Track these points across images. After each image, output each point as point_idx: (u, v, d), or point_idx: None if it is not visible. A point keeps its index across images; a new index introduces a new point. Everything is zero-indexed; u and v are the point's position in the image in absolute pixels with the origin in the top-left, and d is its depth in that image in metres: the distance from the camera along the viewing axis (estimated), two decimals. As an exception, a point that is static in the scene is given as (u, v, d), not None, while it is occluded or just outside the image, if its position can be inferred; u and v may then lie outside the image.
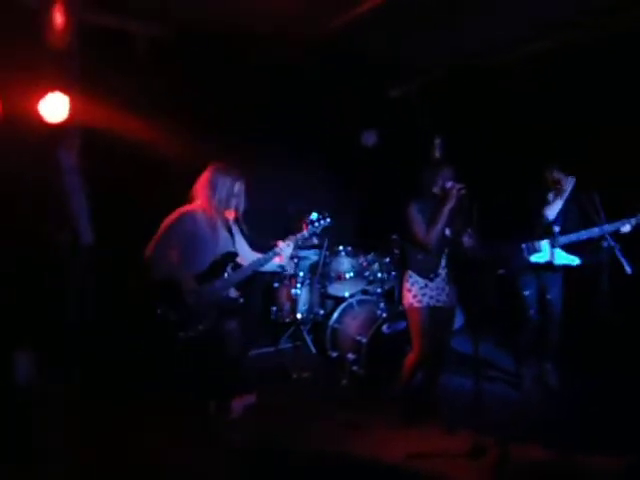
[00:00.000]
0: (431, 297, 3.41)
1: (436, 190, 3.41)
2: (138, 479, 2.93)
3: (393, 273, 4.77)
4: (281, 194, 4.97)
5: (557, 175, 3.84)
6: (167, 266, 2.99)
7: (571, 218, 3.87)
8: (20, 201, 3.49)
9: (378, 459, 3.11)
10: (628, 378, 3.81)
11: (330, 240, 4.79)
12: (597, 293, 3.57)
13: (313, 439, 3.36)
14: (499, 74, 4.96)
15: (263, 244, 3.37)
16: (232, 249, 3.18)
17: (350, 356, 4.27)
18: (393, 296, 4.80)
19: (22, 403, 3.23)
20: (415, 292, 3.41)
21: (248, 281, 3.28)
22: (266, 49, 4.59)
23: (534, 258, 3.90)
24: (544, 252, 3.89)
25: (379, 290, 4.73)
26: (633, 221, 3.63)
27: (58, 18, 3.45)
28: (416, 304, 3.39)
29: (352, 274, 4.86)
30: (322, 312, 4.87)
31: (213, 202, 3.06)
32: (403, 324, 4.00)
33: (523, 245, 3.92)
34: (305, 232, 3.30)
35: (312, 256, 5.07)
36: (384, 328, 4.20)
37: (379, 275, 4.78)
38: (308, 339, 5.00)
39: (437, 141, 5.76)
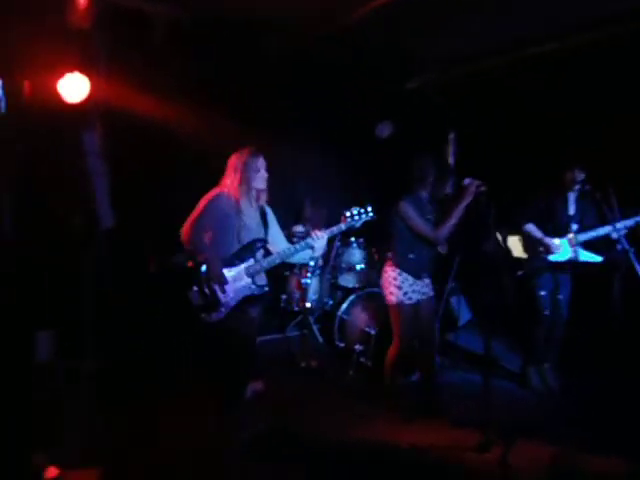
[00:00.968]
0: (420, 293, 3.47)
1: (431, 180, 3.41)
2: (152, 461, 2.99)
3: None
4: (294, 182, 4.97)
5: (578, 175, 3.83)
6: (203, 249, 2.96)
7: (589, 216, 3.87)
8: (40, 183, 3.49)
9: (382, 449, 3.15)
10: (634, 380, 3.83)
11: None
12: (609, 296, 3.57)
13: (318, 428, 3.40)
14: (514, 70, 4.91)
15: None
16: (261, 235, 3.11)
17: (358, 347, 4.31)
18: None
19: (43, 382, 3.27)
20: (406, 289, 3.42)
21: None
22: (283, 37, 4.55)
23: (554, 257, 3.90)
24: (564, 251, 3.89)
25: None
26: None
27: (80, -1, 3.43)
28: (406, 301, 3.42)
29: (363, 266, 4.89)
30: (331, 302, 4.90)
31: (242, 185, 3.01)
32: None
33: (540, 245, 3.92)
34: (342, 225, 3.12)
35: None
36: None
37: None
38: (315, 328, 5.04)
39: (451, 136, 5.74)
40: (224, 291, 2.97)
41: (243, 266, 3.04)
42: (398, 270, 3.44)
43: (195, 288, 2.97)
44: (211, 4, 4.21)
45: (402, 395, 3.66)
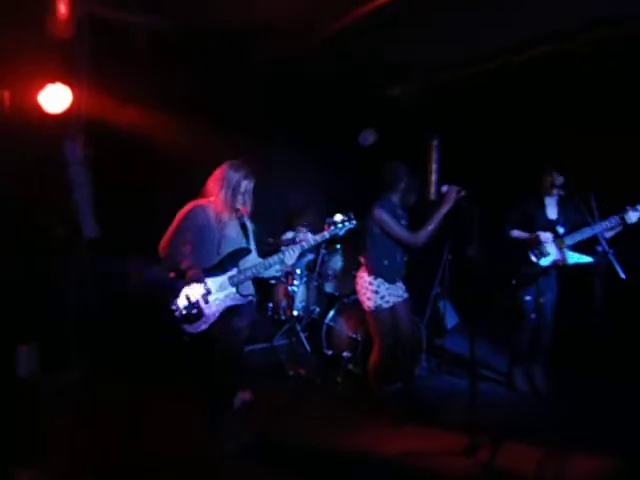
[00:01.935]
0: (395, 295, 3.50)
1: (402, 186, 3.44)
2: (139, 472, 2.95)
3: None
4: (280, 190, 4.97)
5: (557, 179, 3.89)
6: (181, 261, 2.96)
7: (573, 218, 3.91)
8: (23, 194, 3.45)
9: (371, 456, 3.14)
10: (619, 382, 3.89)
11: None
12: (591, 297, 3.61)
13: (307, 436, 3.38)
14: (496, 77, 4.99)
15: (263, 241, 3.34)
16: (243, 245, 3.11)
17: (346, 354, 4.30)
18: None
19: (25, 397, 3.22)
20: (383, 293, 3.45)
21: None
22: (266, 46, 4.58)
23: (543, 262, 3.92)
24: (552, 254, 3.92)
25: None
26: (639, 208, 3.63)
27: (62, 9, 3.42)
28: (384, 305, 3.44)
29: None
30: (318, 310, 4.89)
31: (224, 198, 3.01)
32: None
33: (530, 251, 3.93)
34: (326, 233, 3.10)
35: (310, 254, 5.08)
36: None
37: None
38: (303, 336, 5.02)
39: (434, 142, 5.80)
40: (207, 301, 2.96)
41: (226, 276, 3.03)
42: (373, 275, 3.46)
43: (177, 299, 2.95)
44: (193, 14, 4.22)
45: (390, 402, 3.66)
